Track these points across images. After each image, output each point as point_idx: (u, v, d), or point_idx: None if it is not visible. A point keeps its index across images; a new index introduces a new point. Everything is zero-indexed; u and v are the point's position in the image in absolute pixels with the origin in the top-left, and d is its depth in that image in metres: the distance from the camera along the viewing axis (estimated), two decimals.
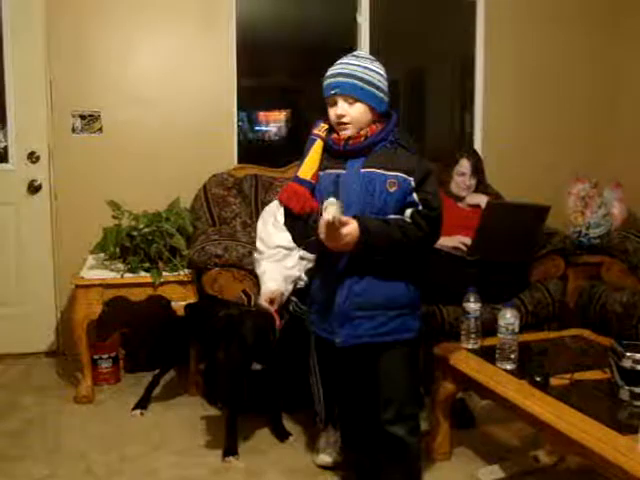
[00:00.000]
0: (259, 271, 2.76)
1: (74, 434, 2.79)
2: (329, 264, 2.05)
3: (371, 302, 2.02)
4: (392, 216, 1.98)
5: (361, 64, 1.99)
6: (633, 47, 4.20)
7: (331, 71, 2.01)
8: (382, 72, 2.03)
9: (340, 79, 1.97)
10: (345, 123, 1.99)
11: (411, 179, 1.96)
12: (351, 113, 1.98)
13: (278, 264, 2.71)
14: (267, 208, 3.00)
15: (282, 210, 2.79)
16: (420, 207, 1.97)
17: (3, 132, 3.59)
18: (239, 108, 3.85)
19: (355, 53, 2.05)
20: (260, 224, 2.89)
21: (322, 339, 2.15)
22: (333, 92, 1.99)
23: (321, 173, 2.05)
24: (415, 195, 1.97)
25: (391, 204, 1.98)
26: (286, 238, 2.67)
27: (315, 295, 2.15)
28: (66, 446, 2.68)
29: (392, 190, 1.97)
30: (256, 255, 2.82)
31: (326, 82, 2.01)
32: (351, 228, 1.89)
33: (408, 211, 1.98)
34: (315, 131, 2.08)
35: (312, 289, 2.19)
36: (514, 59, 4.18)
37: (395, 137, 2.01)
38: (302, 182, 2.05)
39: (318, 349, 2.35)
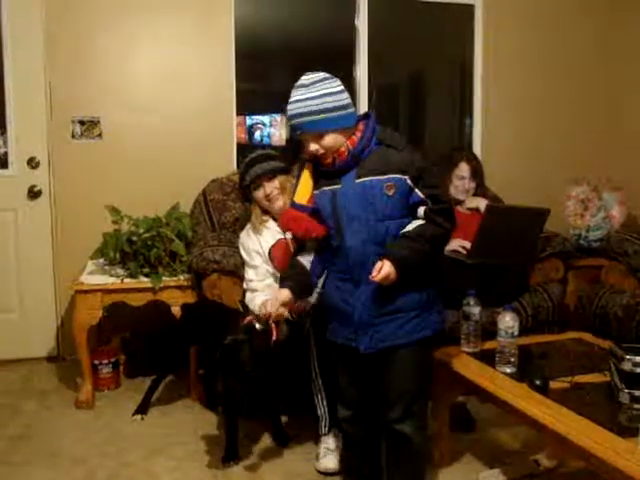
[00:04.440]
0: (257, 302, 2.64)
1: (74, 439, 2.78)
2: (343, 275, 2.06)
3: (389, 308, 2.02)
4: (409, 227, 1.98)
5: (312, 94, 1.94)
6: (634, 49, 4.20)
7: (289, 111, 1.98)
8: (337, 88, 1.98)
9: (299, 120, 1.96)
10: (322, 154, 1.99)
11: (406, 177, 1.96)
12: (324, 145, 1.98)
13: (269, 288, 2.68)
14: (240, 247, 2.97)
15: (243, 244, 2.86)
16: (430, 203, 1.96)
17: (3, 138, 3.60)
18: (238, 113, 3.86)
19: (303, 81, 1.98)
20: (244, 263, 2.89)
21: (339, 346, 2.14)
22: (299, 133, 2.00)
23: (316, 192, 2.06)
24: (419, 192, 1.97)
25: (394, 207, 1.97)
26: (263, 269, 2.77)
27: (330, 303, 2.13)
28: (67, 451, 2.68)
29: (391, 193, 1.96)
30: (248, 287, 2.81)
31: (288, 122, 2.02)
32: (388, 268, 1.90)
33: (420, 210, 1.98)
34: (304, 154, 2.08)
35: (326, 297, 2.16)
36: (513, 62, 4.19)
37: (379, 138, 2.00)
38: (299, 207, 2.07)
39: (335, 355, 2.27)
